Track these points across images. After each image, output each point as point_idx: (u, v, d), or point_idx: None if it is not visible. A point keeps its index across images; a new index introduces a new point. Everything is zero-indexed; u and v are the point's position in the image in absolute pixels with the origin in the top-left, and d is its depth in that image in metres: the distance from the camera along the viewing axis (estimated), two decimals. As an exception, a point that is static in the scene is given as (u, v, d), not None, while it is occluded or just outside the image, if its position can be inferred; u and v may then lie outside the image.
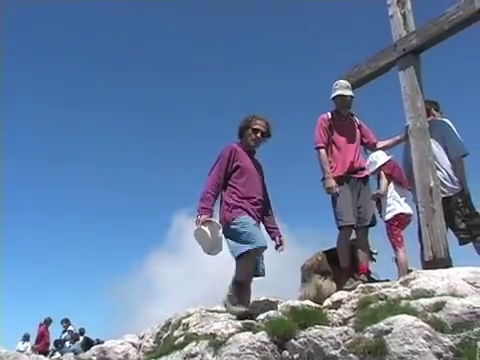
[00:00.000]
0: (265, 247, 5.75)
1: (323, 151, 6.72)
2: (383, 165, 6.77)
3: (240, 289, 5.80)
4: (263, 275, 6.03)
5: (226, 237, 5.91)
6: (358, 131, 6.99)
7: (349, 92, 6.88)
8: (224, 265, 5.94)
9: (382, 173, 6.75)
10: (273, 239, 6.29)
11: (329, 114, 6.90)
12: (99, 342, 12.58)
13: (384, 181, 6.73)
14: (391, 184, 6.83)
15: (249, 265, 5.75)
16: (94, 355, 6.94)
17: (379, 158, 6.84)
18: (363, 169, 6.83)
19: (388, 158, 6.84)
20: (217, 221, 5.85)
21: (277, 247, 6.28)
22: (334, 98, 6.90)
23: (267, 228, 6.33)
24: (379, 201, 6.85)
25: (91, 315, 40.61)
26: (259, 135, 6.17)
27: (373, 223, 6.68)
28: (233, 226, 5.82)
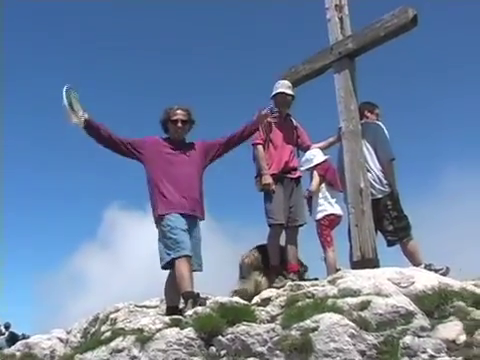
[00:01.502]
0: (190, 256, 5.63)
1: (261, 147, 6.78)
2: (318, 165, 6.83)
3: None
4: (200, 270, 5.92)
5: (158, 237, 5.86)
6: (295, 132, 7.08)
7: (290, 91, 6.98)
8: (155, 260, 5.85)
9: (315, 172, 6.82)
10: (252, 126, 6.29)
11: (273, 120, 6.94)
12: (25, 337, 12.27)
13: (316, 180, 6.80)
14: (323, 184, 6.91)
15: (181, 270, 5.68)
16: (19, 351, 6.72)
17: (315, 156, 6.90)
18: (296, 169, 6.93)
19: (324, 158, 6.91)
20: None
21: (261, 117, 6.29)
22: (274, 96, 6.96)
23: (236, 135, 6.27)
24: (310, 200, 6.91)
25: (17, 309, 39.67)
26: (180, 124, 6.09)
27: (303, 223, 6.78)
28: (162, 226, 5.76)
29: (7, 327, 18.29)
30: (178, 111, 6.05)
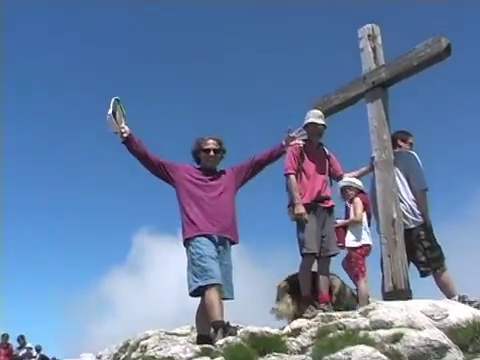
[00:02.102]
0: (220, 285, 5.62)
1: (293, 177, 6.79)
2: (361, 192, 6.81)
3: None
4: (231, 298, 5.90)
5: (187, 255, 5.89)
6: (327, 161, 7.09)
7: (321, 121, 6.98)
8: (183, 287, 5.85)
9: (359, 200, 6.81)
10: (279, 149, 6.29)
11: (301, 142, 6.97)
12: (55, 360, 12.34)
13: (360, 208, 6.78)
14: (364, 214, 6.89)
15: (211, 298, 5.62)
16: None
17: (356, 182, 6.89)
18: (329, 199, 6.92)
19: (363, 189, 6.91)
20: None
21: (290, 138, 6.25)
22: (306, 126, 6.97)
23: (265, 157, 6.29)
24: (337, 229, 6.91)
25: (45, 332, 39.90)
26: (212, 154, 6.17)
27: (335, 253, 6.76)
28: (191, 253, 5.77)
29: (38, 350, 18.41)
30: (210, 141, 6.16)
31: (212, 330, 5.63)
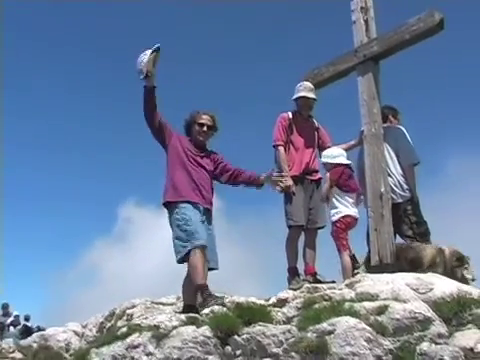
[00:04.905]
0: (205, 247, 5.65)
1: (282, 149, 6.79)
2: (336, 165, 6.75)
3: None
4: (216, 267, 5.92)
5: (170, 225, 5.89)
6: (316, 133, 7.07)
7: (312, 95, 6.95)
8: (169, 257, 5.85)
9: (328, 175, 6.77)
10: (257, 180, 6.24)
11: (290, 114, 6.96)
12: (40, 329, 12.34)
13: (326, 184, 6.75)
14: (335, 188, 6.83)
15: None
16: (35, 342, 6.81)
17: (338, 156, 6.81)
18: (317, 171, 6.93)
19: (346, 162, 6.81)
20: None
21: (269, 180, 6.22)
22: (296, 99, 6.95)
23: (247, 183, 6.30)
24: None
25: (30, 301, 40.08)
26: (206, 129, 6.17)
27: (322, 225, 6.77)
28: (176, 219, 5.79)
29: (27, 319, 18.42)
30: (204, 116, 6.21)
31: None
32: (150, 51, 5.78)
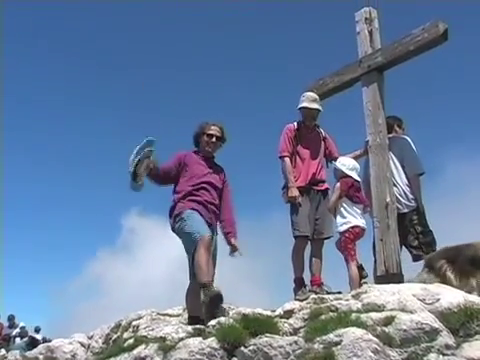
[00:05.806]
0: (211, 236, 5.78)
1: (288, 160, 6.78)
2: (347, 177, 6.73)
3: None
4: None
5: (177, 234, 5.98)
6: (323, 143, 7.06)
7: (315, 105, 6.90)
8: (175, 268, 5.89)
9: (338, 185, 6.75)
10: (228, 244, 6.31)
11: (295, 124, 6.96)
12: (46, 341, 12.34)
13: (336, 194, 6.73)
14: (344, 198, 6.81)
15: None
16: (41, 353, 6.80)
17: (352, 169, 6.79)
18: (324, 181, 6.90)
19: (356, 178, 6.79)
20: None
21: (231, 252, 6.31)
22: (300, 109, 6.95)
23: (223, 233, 6.33)
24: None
25: (37, 313, 40.07)
26: (214, 140, 6.22)
27: (329, 236, 6.76)
28: (182, 219, 5.88)
29: (37, 331, 18.43)
30: (213, 127, 6.29)
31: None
32: (137, 148, 5.89)
